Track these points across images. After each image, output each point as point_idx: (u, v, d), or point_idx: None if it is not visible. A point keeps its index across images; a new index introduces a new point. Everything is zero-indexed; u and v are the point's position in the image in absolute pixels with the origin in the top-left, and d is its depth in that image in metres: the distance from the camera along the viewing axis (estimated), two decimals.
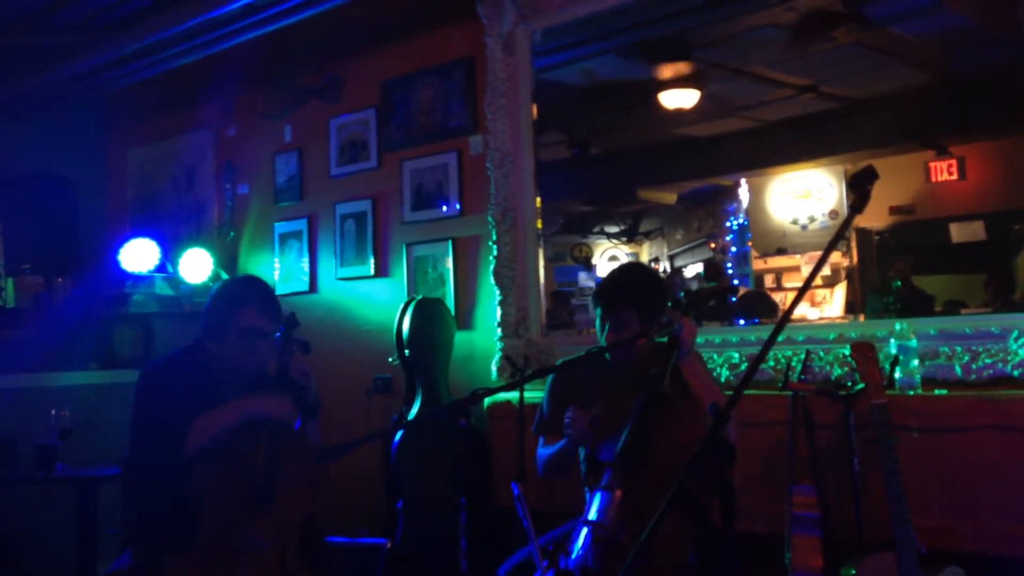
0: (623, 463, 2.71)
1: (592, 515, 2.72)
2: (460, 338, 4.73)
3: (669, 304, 2.94)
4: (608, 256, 5.42)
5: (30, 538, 4.41)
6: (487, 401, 4.31)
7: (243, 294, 3.05)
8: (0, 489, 4.54)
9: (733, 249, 5.07)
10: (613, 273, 3.19)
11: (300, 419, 3.03)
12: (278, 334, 3.00)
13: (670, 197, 5.36)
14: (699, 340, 3.92)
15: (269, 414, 2.87)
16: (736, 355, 3.86)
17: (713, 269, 2.76)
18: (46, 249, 5.78)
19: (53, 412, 4.33)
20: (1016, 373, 3.20)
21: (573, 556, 2.70)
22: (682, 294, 2.88)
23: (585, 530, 2.72)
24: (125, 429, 2.98)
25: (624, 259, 5.40)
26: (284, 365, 2.98)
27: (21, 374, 4.95)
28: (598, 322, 3.09)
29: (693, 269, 5.38)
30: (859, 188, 1.98)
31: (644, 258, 5.44)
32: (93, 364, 5.46)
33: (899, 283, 4.32)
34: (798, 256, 4.93)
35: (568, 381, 3.21)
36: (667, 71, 4.77)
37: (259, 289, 3.11)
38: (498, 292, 4.58)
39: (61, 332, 5.41)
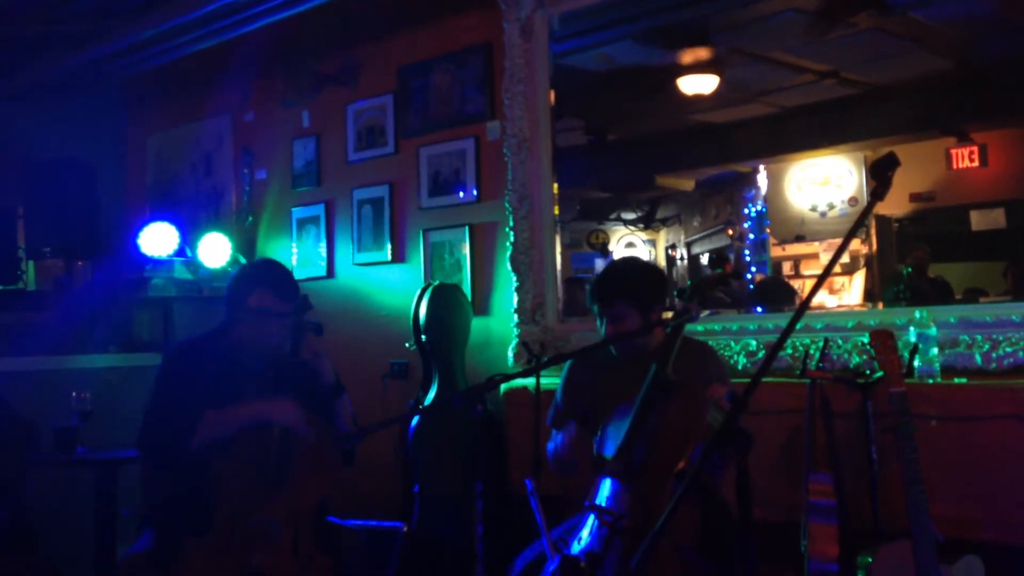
0: (627, 449, 2.73)
1: (597, 500, 2.75)
2: (477, 324, 4.73)
3: (675, 293, 2.94)
4: (625, 243, 5.40)
5: (50, 520, 4.44)
6: (503, 387, 4.31)
7: (255, 275, 3.10)
8: (21, 471, 4.58)
9: (751, 236, 5.03)
10: (606, 269, 3.20)
11: (323, 403, 3.07)
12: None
13: (688, 184, 5.33)
14: (715, 327, 3.94)
15: (277, 421, 2.90)
16: (753, 342, 3.84)
17: (718, 257, 2.79)
18: (66, 233, 5.81)
19: (73, 394, 4.37)
20: None
21: (580, 543, 2.71)
22: (689, 283, 2.89)
23: (591, 516, 2.74)
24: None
25: (641, 246, 5.38)
26: (296, 347, 3.02)
27: (42, 356, 5.00)
28: (598, 320, 3.11)
29: (708, 257, 5.37)
30: (880, 175, 1.97)
31: (661, 245, 5.42)
32: (112, 347, 5.50)
33: (908, 270, 4.28)
34: (816, 243, 4.89)
35: (581, 376, 3.22)
36: (686, 57, 4.74)
37: (272, 270, 3.15)
38: (515, 278, 4.58)
39: (81, 315, 5.45)
